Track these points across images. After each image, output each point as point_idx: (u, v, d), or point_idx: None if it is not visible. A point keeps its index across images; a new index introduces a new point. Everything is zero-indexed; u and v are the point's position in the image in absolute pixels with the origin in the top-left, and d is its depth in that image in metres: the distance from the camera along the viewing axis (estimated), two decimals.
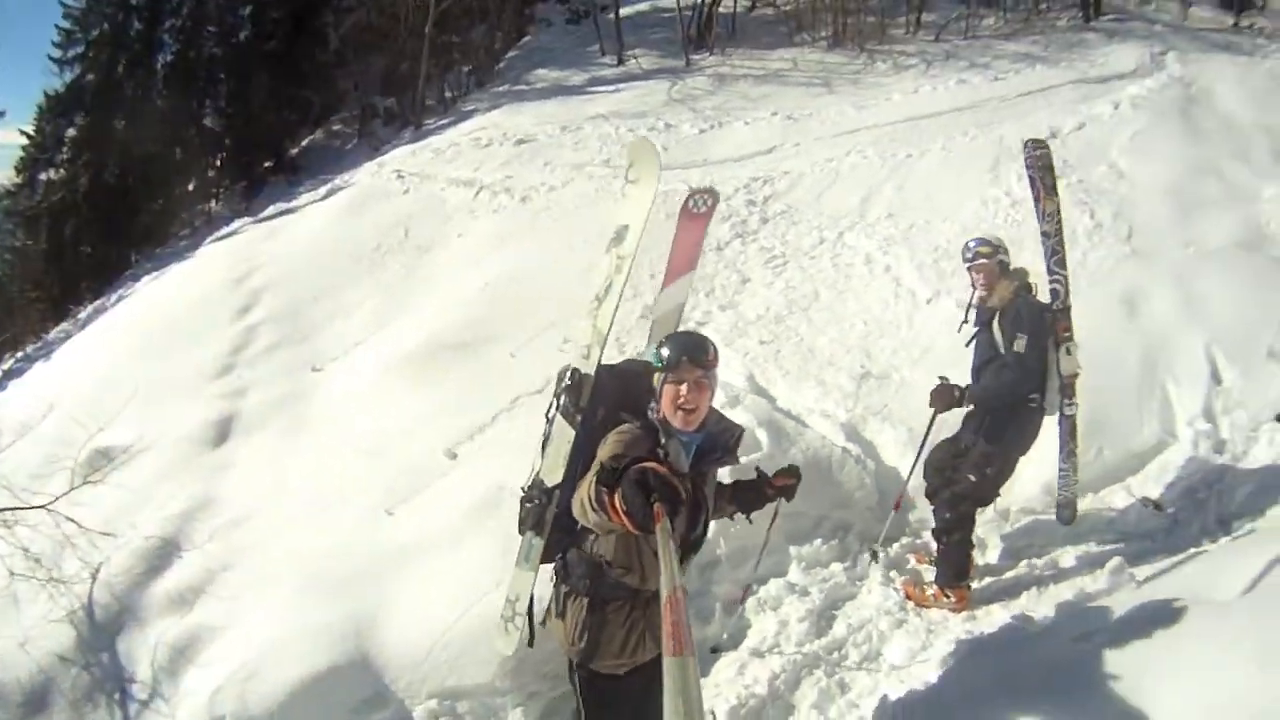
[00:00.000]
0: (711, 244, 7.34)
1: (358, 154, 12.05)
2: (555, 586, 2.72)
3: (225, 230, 10.43)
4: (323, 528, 4.78)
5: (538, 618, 2.93)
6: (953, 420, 4.49)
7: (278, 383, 6.51)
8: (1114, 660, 3.01)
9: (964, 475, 4.27)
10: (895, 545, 4.80)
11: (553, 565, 2.77)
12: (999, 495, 4.47)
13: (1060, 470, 4.50)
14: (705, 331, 6.16)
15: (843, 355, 6.12)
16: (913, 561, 4.70)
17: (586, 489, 2.03)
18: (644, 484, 1.81)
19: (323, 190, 10.06)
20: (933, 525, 4.45)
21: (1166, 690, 2.71)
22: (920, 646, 3.91)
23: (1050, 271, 4.29)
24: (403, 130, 12.39)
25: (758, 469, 3.01)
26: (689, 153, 9.28)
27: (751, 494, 2.96)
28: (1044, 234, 4.34)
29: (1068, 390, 4.23)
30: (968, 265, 4.36)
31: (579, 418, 2.63)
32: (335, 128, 14.63)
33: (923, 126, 9.93)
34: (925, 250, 7.47)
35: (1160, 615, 3.17)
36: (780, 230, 7.80)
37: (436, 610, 3.96)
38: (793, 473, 2.94)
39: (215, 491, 5.39)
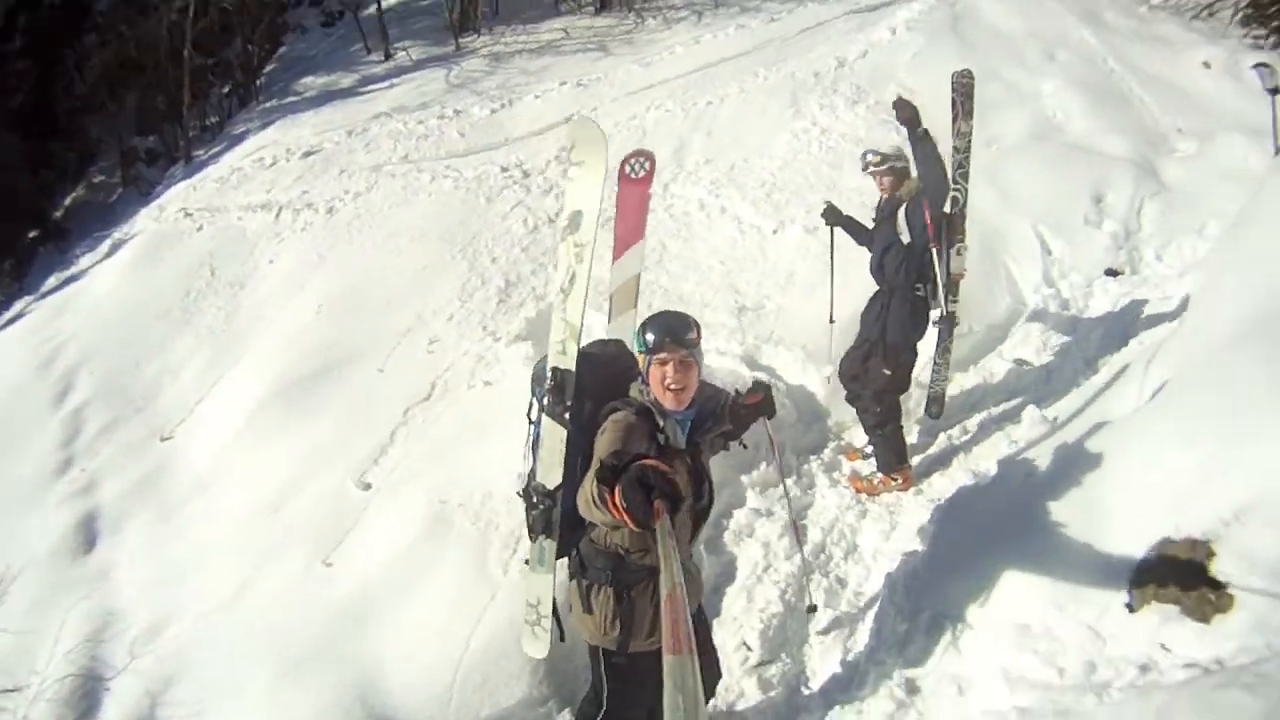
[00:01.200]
0: (542, 217, 7.15)
1: (127, 202, 10.82)
2: (575, 583, 2.75)
3: (6, 316, 9.07)
4: (260, 603, 4.27)
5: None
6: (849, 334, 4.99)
7: (128, 464, 5.77)
8: (1064, 482, 3.50)
9: (879, 372, 4.68)
10: (825, 451, 5.19)
11: (567, 563, 2.81)
12: (911, 379, 4.90)
13: (934, 365, 5.07)
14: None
15: (713, 296, 6.29)
16: (845, 462, 5.08)
17: (589, 487, 2.06)
18: (643, 482, 1.84)
19: (104, 247, 8.95)
20: (862, 425, 4.90)
21: (1118, 493, 3.21)
22: (890, 528, 4.31)
23: (954, 181, 4.79)
24: (171, 167, 11.25)
25: (736, 391, 2.99)
26: (488, 135, 9.08)
27: (736, 420, 2.91)
28: (954, 149, 4.89)
29: (953, 288, 4.76)
30: (867, 173, 4.87)
31: (567, 414, 2.65)
32: (97, 180, 13.02)
33: (713, 74, 10.36)
34: (754, 187, 7.74)
35: (1086, 438, 3.71)
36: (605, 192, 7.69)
37: (436, 647, 3.69)
38: (759, 388, 2.92)
39: (110, 603, 4.68)
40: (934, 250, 4.57)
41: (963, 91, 4.92)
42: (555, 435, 2.64)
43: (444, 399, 5.25)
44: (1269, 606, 2.44)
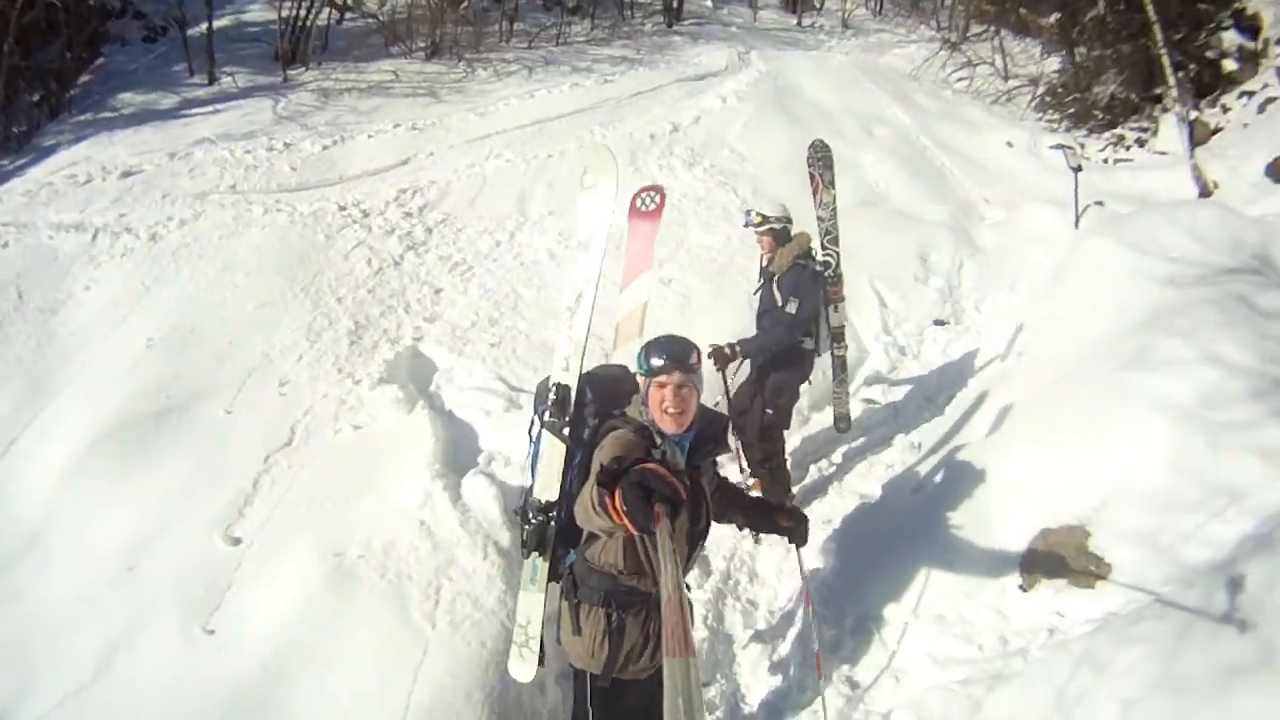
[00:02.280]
0: (387, 259, 7.06)
1: None
2: (566, 603, 2.73)
3: None
4: (133, 681, 3.63)
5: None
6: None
7: None
8: (948, 493, 4.12)
9: (760, 410, 5.05)
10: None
11: (559, 583, 2.82)
12: (791, 417, 5.34)
13: (835, 394, 5.69)
14: (424, 346, 5.92)
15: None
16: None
17: (588, 493, 2.09)
18: (644, 485, 1.86)
19: None
20: (747, 458, 5.20)
21: (998, 496, 3.88)
22: (785, 550, 4.53)
23: (824, 248, 5.39)
24: None
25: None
26: (321, 171, 8.84)
27: (763, 518, 3.13)
28: (819, 218, 5.47)
29: (837, 336, 5.46)
30: (749, 229, 5.25)
31: (566, 430, 2.73)
32: None
33: (550, 129, 10.79)
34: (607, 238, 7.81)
35: (956, 456, 4.44)
36: (449, 238, 7.85)
37: (374, 712, 3.43)
38: (797, 518, 3.08)
39: None
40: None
41: (821, 163, 5.55)
42: (554, 450, 2.71)
43: (308, 445, 4.97)
44: (1142, 567, 3.12)
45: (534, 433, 2.90)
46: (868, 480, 5.14)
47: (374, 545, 4.10)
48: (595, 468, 2.36)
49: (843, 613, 3.85)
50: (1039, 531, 3.54)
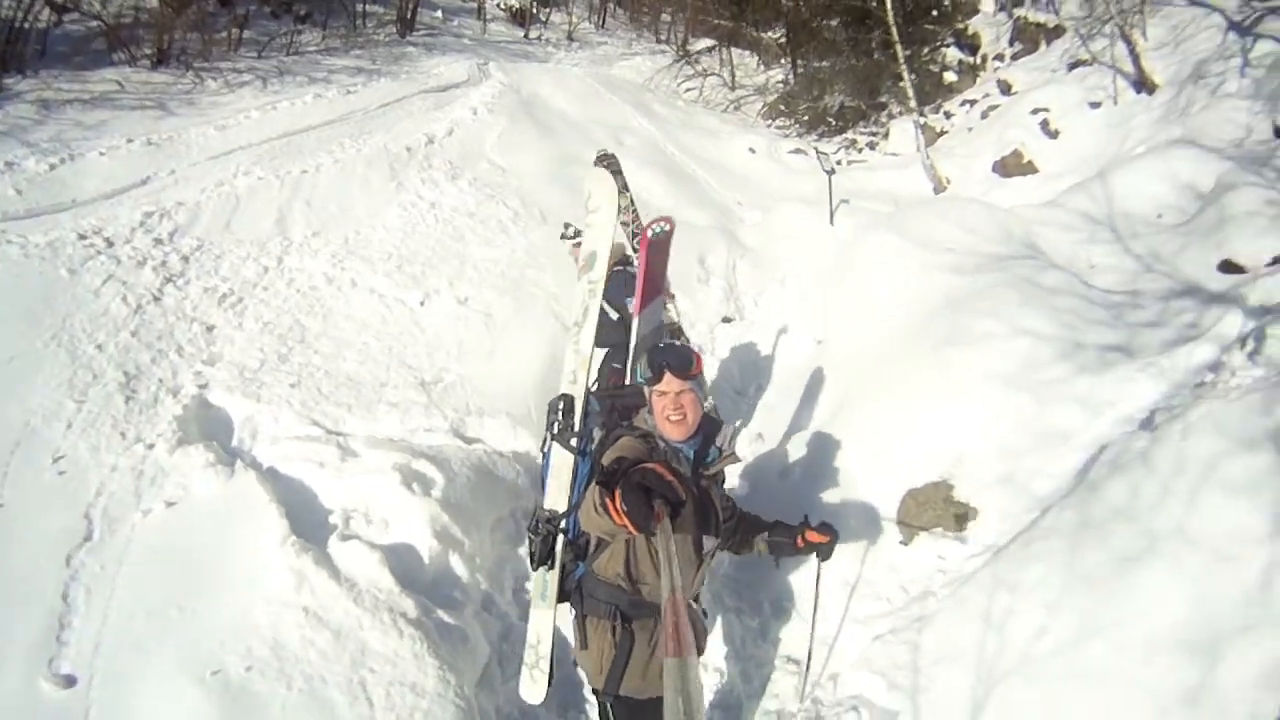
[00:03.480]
0: (145, 295, 6.37)
1: None
2: (576, 618, 2.78)
3: None
4: None
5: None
6: None
7: None
8: (814, 472, 4.55)
9: None
10: None
11: (569, 601, 2.85)
12: None
13: None
14: (213, 395, 5.51)
15: (386, 373, 6.28)
16: None
17: (592, 495, 2.15)
18: (644, 485, 1.91)
19: None
20: None
21: (860, 467, 4.38)
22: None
23: (634, 250, 5.60)
24: None
25: (805, 516, 3.29)
26: (51, 193, 7.71)
27: (785, 541, 3.22)
28: (623, 223, 5.70)
29: (675, 333, 5.82)
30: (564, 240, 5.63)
31: (574, 441, 2.79)
32: None
33: (299, 142, 10.33)
34: (380, 260, 7.86)
35: (805, 439, 4.91)
36: (209, 266, 7.22)
37: None
38: (827, 530, 3.19)
39: None
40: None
41: (612, 168, 5.63)
42: (563, 462, 2.77)
43: (115, 535, 4.18)
44: (1004, 505, 3.79)
45: (545, 447, 2.97)
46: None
47: (258, 650, 3.46)
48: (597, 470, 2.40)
49: (757, 599, 4.21)
50: (906, 492, 4.15)
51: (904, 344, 5.04)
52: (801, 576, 4.12)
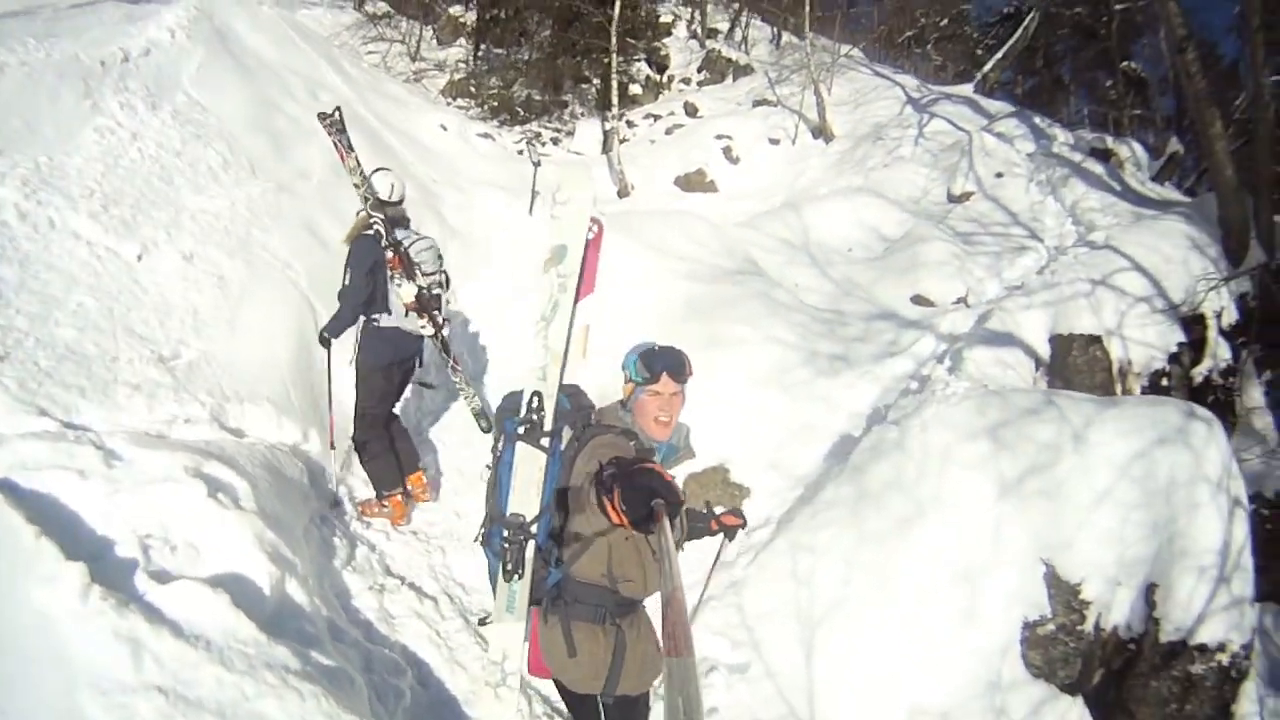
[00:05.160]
0: None
1: None
2: (557, 627, 2.69)
3: None
4: None
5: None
6: None
7: None
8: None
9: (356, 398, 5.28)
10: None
11: (541, 607, 2.76)
12: (382, 403, 5.41)
13: (458, 388, 5.88)
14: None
15: (113, 344, 5.17)
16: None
17: (587, 495, 2.21)
18: (645, 485, 1.96)
19: None
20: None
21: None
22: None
23: (370, 214, 5.15)
24: None
25: (706, 503, 3.35)
26: None
27: (698, 524, 3.22)
28: (355, 185, 5.26)
29: (414, 313, 5.27)
30: None
31: (544, 440, 2.59)
32: None
33: None
34: (82, 196, 6.35)
35: None
36: None
37: None
38: (739, 514, 3.26)
39: None
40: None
41: (337, 129, 5.28)
42: (533, 463, 2.60)
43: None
44: (772, 483, 4.73)
45: (499, 448, 2.78)
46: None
47: None
48: (592, 468, 2.39)
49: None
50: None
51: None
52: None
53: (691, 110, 13.23)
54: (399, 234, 5.24)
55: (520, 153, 12.67)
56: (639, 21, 15.19)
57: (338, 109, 5.38)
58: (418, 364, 5.52)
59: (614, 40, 12.17)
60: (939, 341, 5.32)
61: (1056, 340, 6.66)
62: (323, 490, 5.47)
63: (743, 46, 14.46)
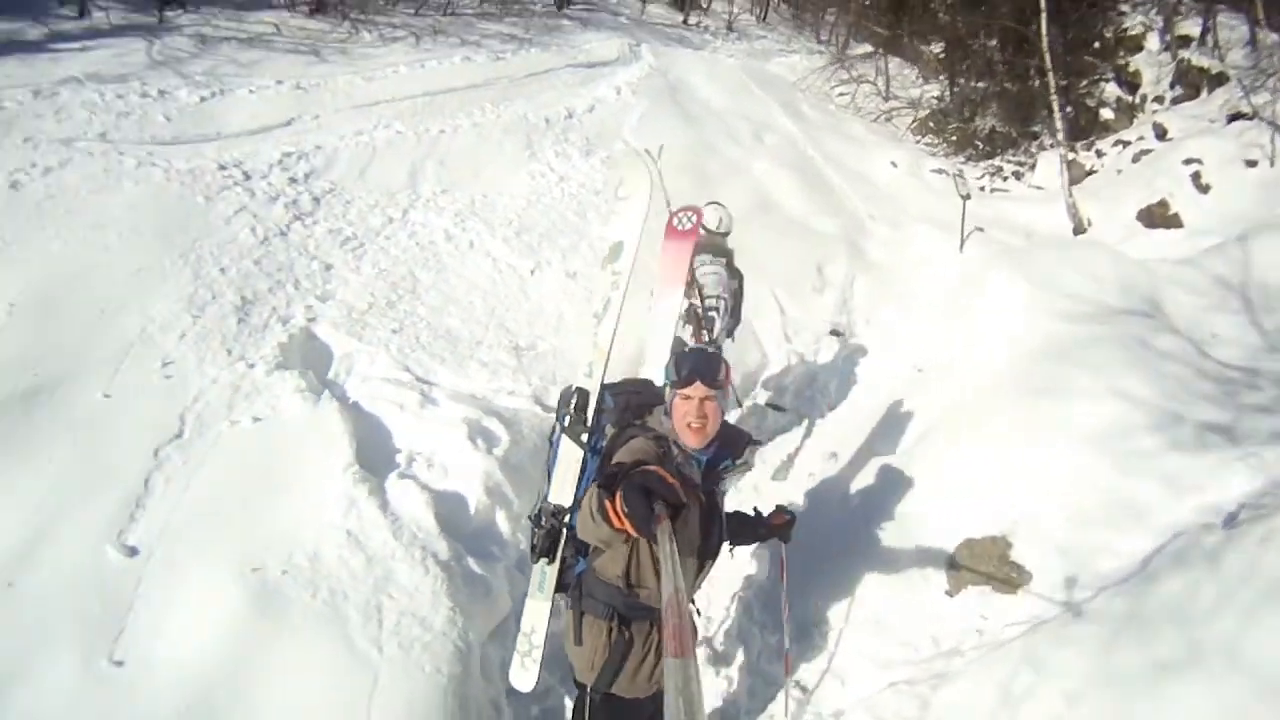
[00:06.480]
0: (272, 228, 6.74)
1: None
2: (571, 613, 2.75)
3: None
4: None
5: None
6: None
7: None
8: (877, 501, 4.49)
9: None
10: None
11: (566, 593, 2.83)
12: None
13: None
14: (319, 329, 5.75)
15: (484, 333, 6.53)
16: None
17: (590, 500, 2.12)
18: (645, 488, 1.88)
19: None
20: None
21: (924, 504, 4.32)
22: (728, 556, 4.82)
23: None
24: None
25: (755, 508, 3.27)
26: (199, 124, 8.31)
27: (745, 529, 3.18)
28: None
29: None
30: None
31: (584, 436, 2.75)
32: None
33: (441, 102, 10.71)
34: (501, 225, 8.05)
35: (880, 465, 4.80)
36: (337, 210, 7.61)
37: None
38: (785, 513, 3.19)
39: None
40: None
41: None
42: (571, 455, 2.74)
43: (202, 437, 4.57)
44: (1058, 575, 3.53)
45: (554, 437, 2.95)
46: (790, 488, 5.40)
47: (297, 558, 3.78)
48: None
49: (782, 619, 4.05)
50: (962, 540, 3.95)
51: (999, 386, 4.82)
52: (834, 604, 4.03)
53: (1160, 132, 11.01)
54: (697, 259, 5.64)
55: (981, 189, 11.89)
56: (1102, 35, 13.26)
57: (660, 147, 5.91)
58: None
59: (1046, 58, 10.66)
60: None
61: None
62: None
63: (1215, 52, 11.69)
